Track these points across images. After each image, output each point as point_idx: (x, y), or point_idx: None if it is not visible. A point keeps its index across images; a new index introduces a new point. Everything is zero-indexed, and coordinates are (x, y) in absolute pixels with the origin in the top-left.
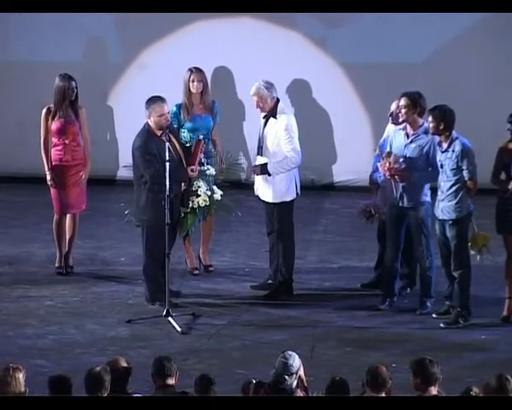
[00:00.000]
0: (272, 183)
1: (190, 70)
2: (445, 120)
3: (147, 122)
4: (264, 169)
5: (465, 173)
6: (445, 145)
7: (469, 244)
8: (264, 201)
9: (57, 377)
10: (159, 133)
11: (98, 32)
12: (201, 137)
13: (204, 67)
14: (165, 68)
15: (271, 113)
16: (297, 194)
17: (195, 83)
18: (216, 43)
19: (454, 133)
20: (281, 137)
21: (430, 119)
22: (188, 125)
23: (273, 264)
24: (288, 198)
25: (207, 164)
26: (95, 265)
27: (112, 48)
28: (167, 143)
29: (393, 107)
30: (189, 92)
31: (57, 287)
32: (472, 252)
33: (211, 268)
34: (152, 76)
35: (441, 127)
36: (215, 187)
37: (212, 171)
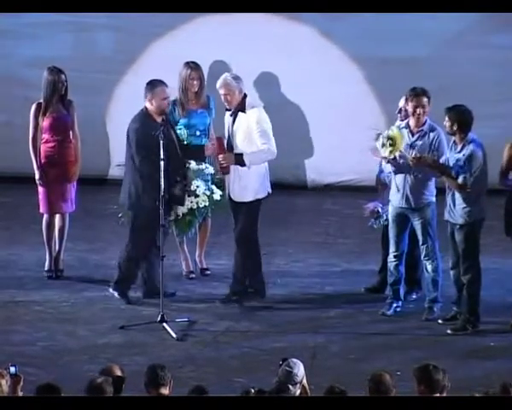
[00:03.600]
0: (248, 181)
1: (189, 66)
2: (459, 121)
3: (145, 106)
4: (239, 159)
5: (461, 178)
6: (459, 147)
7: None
8: (235, 201)
9: (46, 386)
10: (158, 119)
11: (87, 25)
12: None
13: (200, 61)
14: (157, 63)
15: (240, 107)
16: (268, 192)
17: (195, 81)
18: (213, 37)
19: (470, 136)
20: (253, 131)
21: (446, 118)
22: (183, 121)
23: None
24: (261, 195)
25: (205, 162)
26: (86, 268)
27: (102, 41)
28: (161, 141)
29: (402, 103)
30: (185, 89)
31: (46, 291)
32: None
33: (207, 272)
34: (144, 70)
35: (455, 128)
36: (214, 186)
37: (210, 169)
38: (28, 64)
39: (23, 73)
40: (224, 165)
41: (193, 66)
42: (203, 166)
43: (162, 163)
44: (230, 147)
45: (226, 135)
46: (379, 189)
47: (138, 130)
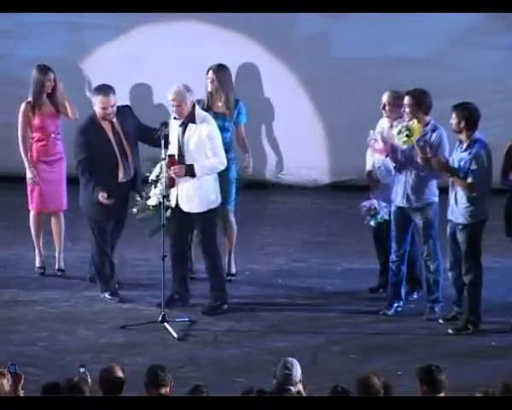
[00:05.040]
0: (200, 190)
1: (209, 68)
2: (466, 118)
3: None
4: (189, 170)
5: (469, 178)
6: (464, 145)
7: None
8: (186, 212)
9: (51, 385)
10: (103, 123)
11: (88, 24)
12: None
13: (197, 63)
14: (155, 61)
15: (189, 118)
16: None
17: (207, 81)
18: (210, 38)
19: (476, 134)
20: (205, 143)
21: (453, 115)
22: None
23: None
24: (214, 205)
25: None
26: (86, 268)
27: (102, 41)
28: (162, 141)
29: (385, 98)
30: (206, 90)
31: (47, 291)
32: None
33: (230, 277)
34: (142, 69)
35: (462, 125)
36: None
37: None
38: (28, 64)
39: (23, 73)
40: (175, 176)
41: (211, 67)
42: None
43: (163, 162)
44: (182, 157)
45: (176, 145)
46: (371, 186)
47: (78, 130)
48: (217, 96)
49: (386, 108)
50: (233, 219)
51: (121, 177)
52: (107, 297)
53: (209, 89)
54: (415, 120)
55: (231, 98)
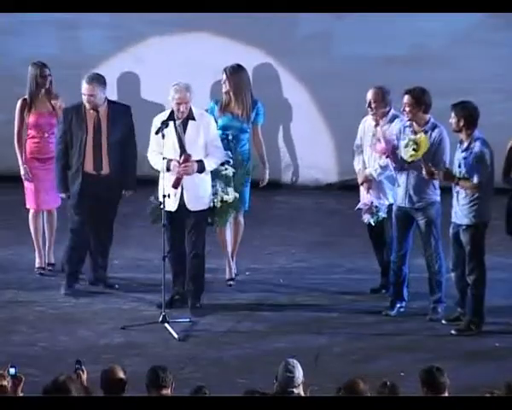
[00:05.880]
0: (206, 187)
1: (224, 68)
2: (466, 117)
3: None
4: (200, 166)
5: (475, 178)
6: (465, 144)
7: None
8: (186, 213)
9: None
10: (88, 110)
11: (89, 23)
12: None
13: (197, 63)
14: (155, 61)
15: (189, 116)
16: None
17: (223, 83)
18: (211, 38)
19: (476, 133)
20: (207, 138)
21: (452, 114)
22: (219, 122)
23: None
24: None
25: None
26: (86, 268)
27: (102, 40)
28: (163, 140)
29: (370, 95)
30: (222, 90)
31: (47, 292)
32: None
33: (231, 282)
34: (142, 69)
35: (461, 124)
36: (231, 188)
37: (228, 171)
38: (28, 62)
39: (22, 71)
40: (186, 174)
41: (226, 68)
42: (222, 167)
43: (165, 161)
44: (187, 155)
45: (177, 144)
46: (365, 184)
47: (64, 108)
48: (232, 98)
49: (372, 105)
50: (242, 219)
51: (89, 168)
52: (62, 293)
53: (224, 90)
54: (422, 134)
55: (247, 99)
